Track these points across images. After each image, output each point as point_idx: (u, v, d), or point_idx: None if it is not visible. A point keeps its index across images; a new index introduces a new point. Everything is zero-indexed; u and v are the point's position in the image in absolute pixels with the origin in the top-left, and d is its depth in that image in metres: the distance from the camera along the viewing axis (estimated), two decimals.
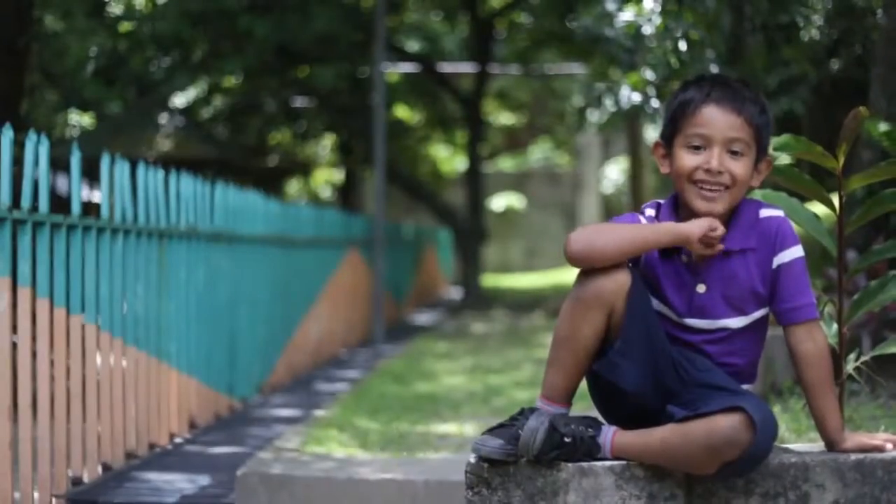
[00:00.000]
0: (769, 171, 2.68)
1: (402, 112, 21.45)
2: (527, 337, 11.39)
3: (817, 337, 2.63)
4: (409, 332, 12.61)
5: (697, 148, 2.61)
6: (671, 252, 2.64)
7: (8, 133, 4.21)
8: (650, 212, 2.72)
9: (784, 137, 3.10)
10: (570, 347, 2.60)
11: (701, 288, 2.62)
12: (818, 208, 3.43)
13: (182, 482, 4.94)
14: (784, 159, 3.23)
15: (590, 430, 2.61)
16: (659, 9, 7.74)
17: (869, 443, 2.65)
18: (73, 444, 4.75)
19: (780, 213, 2.65)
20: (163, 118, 14.80)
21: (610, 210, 25.08)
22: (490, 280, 22.75)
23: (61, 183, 13.30)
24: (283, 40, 14.25)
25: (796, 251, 2.62)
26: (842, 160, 3.02)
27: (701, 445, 2.49)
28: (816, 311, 2.65)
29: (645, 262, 2.66)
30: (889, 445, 2.65)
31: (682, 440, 2.51)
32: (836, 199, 3.07)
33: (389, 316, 13.10)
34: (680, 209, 2.67)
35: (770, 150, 2.69)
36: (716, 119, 2.59)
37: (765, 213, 2.65)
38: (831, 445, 2.67)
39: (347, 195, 22.24)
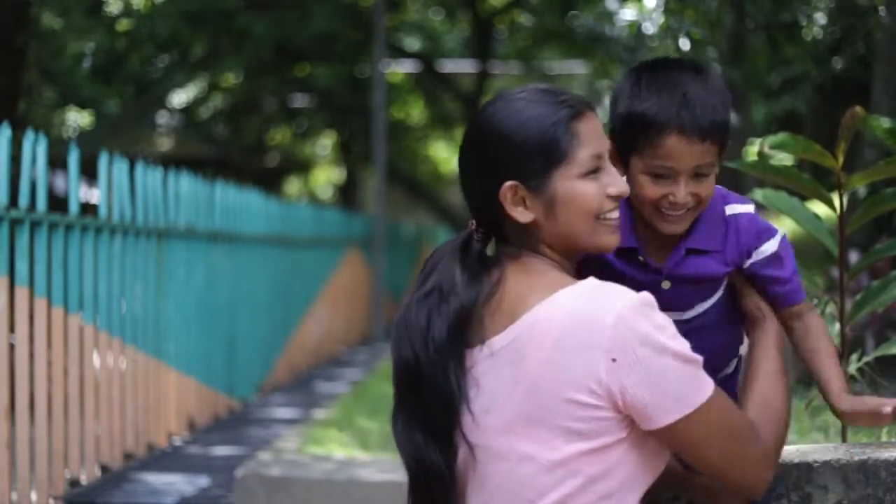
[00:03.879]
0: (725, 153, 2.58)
1: (402, 111, 21.43)
2: None
3: (812, 314, 2.52)
4: None
5: (661, 176, 2.47)
6: (628, 253, 2.54)
7: (5, 132, 4.19)
8: None
9: (783, 136, 3.06)
10: None
11: (666, 284, 2.53)
12: (820, 208, 3.41)
13: (181, 483, 4.93)
14: (784, 158, 3.20)
15: None
16: (661, 7, 7.73)
17: (862, 408, 2.48)
18: (71, 445, 4.73)
19: (748, 208, 2.48)
20: (161, 117, 14.77)
21: None
22: None
23: (59, 182, 13.29)
24: (282, 39, 14.23)
25: (771, 245, 2.49)
26: (841, 159, 2.99)
27: None
28: (803, 294, 2.54)
29: (605, 264, 2.56)
30: (888, 409, 2.46)
31: None
32: (837, 199, 3.05)
33: (389, 315, 13.07)
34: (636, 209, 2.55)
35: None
36: (682, 152, 2.37)
37: (731, 209, 2.51)
38: (834, 410, 2.52)
39: (347, 194, 22.23)
